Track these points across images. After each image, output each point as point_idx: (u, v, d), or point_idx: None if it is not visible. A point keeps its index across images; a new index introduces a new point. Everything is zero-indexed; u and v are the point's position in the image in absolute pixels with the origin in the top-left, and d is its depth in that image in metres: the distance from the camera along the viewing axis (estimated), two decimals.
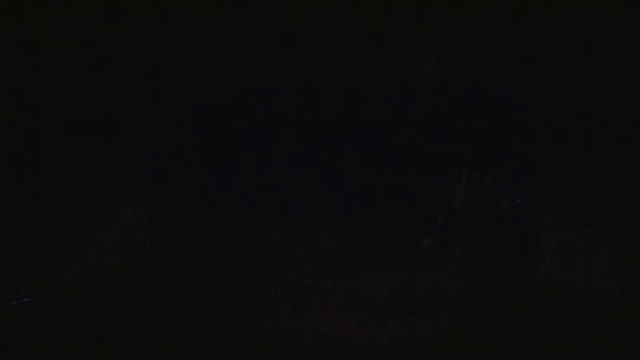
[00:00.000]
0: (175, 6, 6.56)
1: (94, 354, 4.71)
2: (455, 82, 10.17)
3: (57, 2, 6.06)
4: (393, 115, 12.42)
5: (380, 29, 7.54)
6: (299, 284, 7.35)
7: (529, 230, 8.47)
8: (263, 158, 12.92)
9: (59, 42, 6.58)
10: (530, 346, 5.10)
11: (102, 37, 7.09)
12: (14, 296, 5.97)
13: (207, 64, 9.25)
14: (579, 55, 7.01)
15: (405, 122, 12.64)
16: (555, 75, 7.58)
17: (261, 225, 11.77)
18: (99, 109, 7.48)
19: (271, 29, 7.44)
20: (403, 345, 5.05)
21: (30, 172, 6.28)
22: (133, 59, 8.08)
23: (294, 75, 10.34)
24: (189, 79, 9.98)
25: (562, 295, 7.01)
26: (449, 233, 9.25)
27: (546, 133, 7.80)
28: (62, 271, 6.70)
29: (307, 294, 6.88)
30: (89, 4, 6.22)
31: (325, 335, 5.26)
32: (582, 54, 6.91)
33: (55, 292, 6.49)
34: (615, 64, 6.35)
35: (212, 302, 6.46)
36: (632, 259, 6.06)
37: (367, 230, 11.72)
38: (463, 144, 12.07)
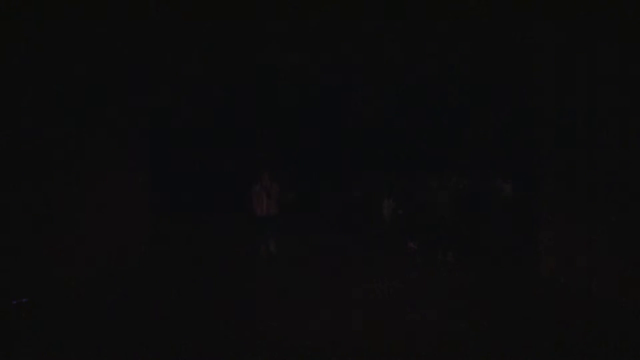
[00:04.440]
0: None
1: (94, 354, 4.71)
2: (453, 82, 10.16)
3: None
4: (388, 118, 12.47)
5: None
6: (296, 285, 7.36)
7: (529, 230, 8.47)
8: (260, 162, 12.96)
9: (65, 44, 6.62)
10: (530, 346, 5.10)
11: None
12: (14, 296, 5.97)
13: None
14: (580, 52, 7.00)
15: (401, 125, 12.69)
16: (556, 74, 7.58)
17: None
18: (102, 112, 7.48)
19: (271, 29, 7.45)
20: (402, 345, 5.05)
21: (31, 174, 6.28)
22: (136, 63, 8.11)
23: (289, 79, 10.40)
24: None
25: (562, 295, 7.01)
26: (441, 236, 9.19)
27: (546, 133, 7.80)
28: (62, 271, 6.71)
29: (304, 294, 6.89)
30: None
31: (324, 335, 5.27)
32: (583, 51, 6.91)
33: (55, 292, 6.49)
34: (615, 62, 6.35)
35: (211, 302, 6.46)
36: (632, 259, 6.07)
37: (364, 233, 11.73)
38: (462, 145, 12.08)
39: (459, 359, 4.78)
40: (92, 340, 5.01)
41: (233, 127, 12.95)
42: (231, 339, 5.16)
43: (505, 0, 6.67)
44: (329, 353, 4.81)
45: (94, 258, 7.35)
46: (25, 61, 6.09)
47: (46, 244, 6.50)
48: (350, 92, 11.62)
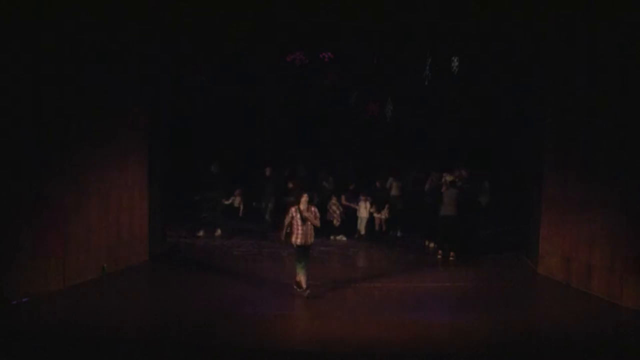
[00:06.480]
0: None
1: (94, 353, 4.71)
2: (452, 80, 10.13)
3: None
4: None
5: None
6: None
7: (529, 230, 8.46)
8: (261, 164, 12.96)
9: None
10: (530, 346, 5.11)
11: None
12: (14, 296, 5.95)
13: None
14: (580, 52, 7.02)
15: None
16: (556, 74, 7.58)
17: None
18: (102, 114, 7.46)
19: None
20: (404, 344, 5.05)
21: (33, 175, 6.28)
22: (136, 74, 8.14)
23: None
24: None
25: (562, 295, 7.01)
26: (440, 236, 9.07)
27: (546, 133, 7.79)
28: (63, 271, 6.69)
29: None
30: None
31: (323, 334, 5.27)
32: (584, 52, 6.92)
33: (55, 292, 6.47)
34: (615, 64, 6.36)
35: (211, 302, 6.47)
36: (631, 259, 6.07)
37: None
38: (462, 144, 12.09)
39: (460, 357, 4.79)
40: (92, 340, 5.00)
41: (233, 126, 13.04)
42: (229, 338, 5.15)
43: None
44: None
45: (95, 258, 7.32)
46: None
47: (47, 245, 6.48)
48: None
